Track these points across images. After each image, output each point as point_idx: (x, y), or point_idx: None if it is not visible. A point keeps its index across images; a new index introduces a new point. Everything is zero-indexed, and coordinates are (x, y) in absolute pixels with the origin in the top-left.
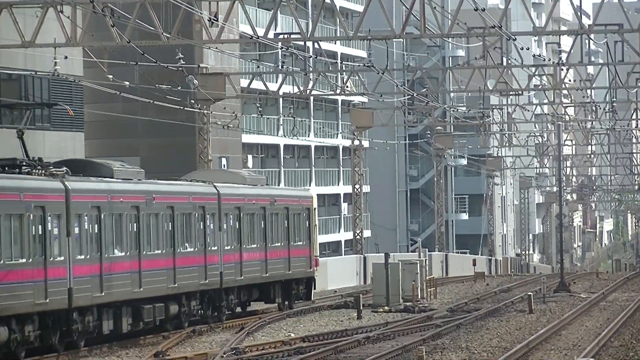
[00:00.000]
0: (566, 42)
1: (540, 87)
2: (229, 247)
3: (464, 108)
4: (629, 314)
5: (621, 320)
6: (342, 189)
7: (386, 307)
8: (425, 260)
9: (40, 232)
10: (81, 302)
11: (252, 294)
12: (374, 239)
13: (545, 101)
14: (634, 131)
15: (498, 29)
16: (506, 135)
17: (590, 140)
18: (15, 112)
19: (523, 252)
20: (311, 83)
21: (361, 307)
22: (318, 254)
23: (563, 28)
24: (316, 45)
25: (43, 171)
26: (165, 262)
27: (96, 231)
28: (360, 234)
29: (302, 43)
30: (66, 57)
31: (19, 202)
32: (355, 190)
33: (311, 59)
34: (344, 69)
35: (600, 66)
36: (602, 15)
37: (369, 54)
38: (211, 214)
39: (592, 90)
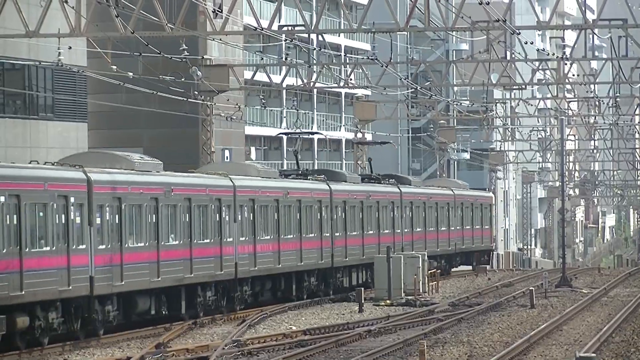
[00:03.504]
0: (570, 36)
1: (543, 81)
2: (444, 229)
3: (467, 102)
4: (631, 309)
5: (623, 316)
6: None
7: (388, 301)
8: (426, 253)
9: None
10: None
11: (454, 260)
12: None
13: (549, 96)
14: (637, 126)
15: (502, 22)
16: (509, 129)
17: (593, 135)
18: (18, 101)
19: (525, 247)
20: (315, 75)
21: (363, 301)
22: (496, 235)
23: (567, 22)
24: (320, 38)
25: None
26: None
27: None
28: None
29: (306, 35)
30: (70, 48)
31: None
32: None
33: (315, 51)
34: (347, 61)
35: (604, 61)
36: (606, 10)
37: (373, 46)
38: (448, 207)
39: (596, 85)
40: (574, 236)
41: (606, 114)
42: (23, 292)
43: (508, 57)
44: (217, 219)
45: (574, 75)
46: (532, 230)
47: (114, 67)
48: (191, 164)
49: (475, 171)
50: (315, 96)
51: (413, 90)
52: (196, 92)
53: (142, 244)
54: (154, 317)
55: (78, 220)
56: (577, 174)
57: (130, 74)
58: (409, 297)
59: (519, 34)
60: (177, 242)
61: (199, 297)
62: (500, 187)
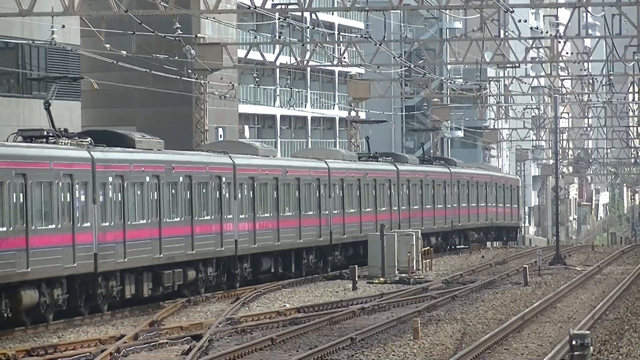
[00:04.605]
0: (564, 14)
1: (537, 59)
2: (483, 204)
3: (461, 80)
4: (624, 287)
5: (616, 294)
6: None
7: (382, 279)
8: (420, 232)
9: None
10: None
11: (490, 234)
12: None
13: (542, 74)
14: (630, 104)
15: (495, 1)
16: (503, 107)
17: (586, 113)
18: (12, 80)
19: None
20: (308, 54)
21: (356, 278)
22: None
23: (561, 1)
24: (313, 16)
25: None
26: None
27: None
28: None
29: (299, 14)
30: (63, 26)
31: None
32: None
33: (308, 29)
34: (341, 40)
35: (597, 39)
36: None
37: (367, 25)
38: (486, 186)
39: (589, 63)
40: (567, 214)
41: (600, 92)
42: (194, 252)
43: (502, 35)
44: (317, 195)
45: (567, 53)
46: (526, 208)
47: (108, 45)
48: (185, 142)
49: (469, 149)
50: (308, 74)
51: (407, 68)
52: (190, 71)
53: (268, 215)
54: (272, 275)
55: (227, 195)
56: (570, 151)
57: (124, 52)
58: (403, 275)
59: (513, 12)
60: (291, 213)
61: (304, 259)
62: (493, 165)
